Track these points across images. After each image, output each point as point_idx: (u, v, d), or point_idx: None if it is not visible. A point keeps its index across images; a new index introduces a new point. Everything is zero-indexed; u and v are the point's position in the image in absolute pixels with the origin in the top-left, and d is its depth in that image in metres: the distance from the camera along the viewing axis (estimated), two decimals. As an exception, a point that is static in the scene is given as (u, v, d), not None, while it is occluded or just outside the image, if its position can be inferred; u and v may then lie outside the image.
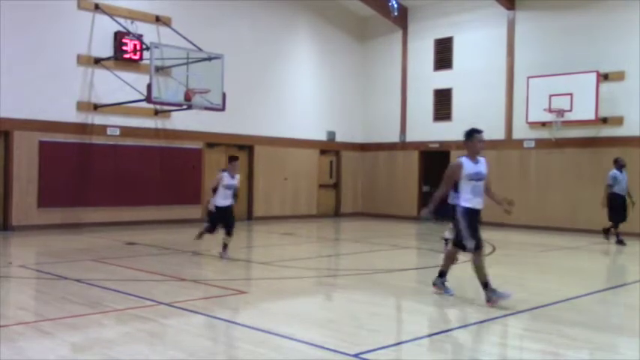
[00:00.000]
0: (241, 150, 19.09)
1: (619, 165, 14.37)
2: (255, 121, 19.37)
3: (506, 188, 18.66)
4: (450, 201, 7.50)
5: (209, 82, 15.24)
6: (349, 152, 22.09)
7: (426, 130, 20.83)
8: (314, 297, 7.91)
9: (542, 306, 7.14)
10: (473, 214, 7.20)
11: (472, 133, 7.35)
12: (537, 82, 17.83)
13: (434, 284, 7.70)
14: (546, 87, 17.56)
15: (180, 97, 15.09)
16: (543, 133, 18.11)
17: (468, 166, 7.21)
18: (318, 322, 6.39)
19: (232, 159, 10.89)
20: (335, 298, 7.93)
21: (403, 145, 21.47)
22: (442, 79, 20.54)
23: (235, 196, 10.74)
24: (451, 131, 19.67)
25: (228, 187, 10.50)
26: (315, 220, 20.16)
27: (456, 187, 7.29)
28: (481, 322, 6.39)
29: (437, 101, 20.71)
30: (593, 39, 17.32)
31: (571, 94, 17.11)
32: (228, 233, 10.63)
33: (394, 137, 21.72)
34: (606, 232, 14.64)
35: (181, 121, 17.41)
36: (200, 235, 11.15)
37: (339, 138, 21.75)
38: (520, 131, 18.71)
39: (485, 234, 15.46)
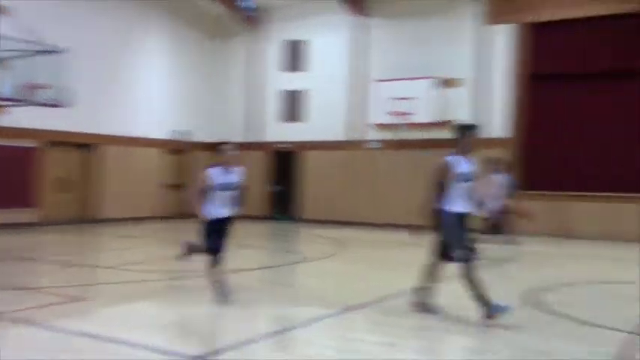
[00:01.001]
0: (84, 149, 18.14)
1: (502, 169, 14.84)
2: (102, 119, 18.43)
3: (353, 188, 19.47)
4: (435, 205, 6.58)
5: (52, 78, 14.30)
6: (200, 152, 21.73)
7: (276, 130, 21.01)
8: (157, 300, 7.66)
9: (380, 299, 7.43)
10: (461, 220, 6.48)
11: (467, 128, 6.67)
12: (384, 86, 18.61)
13: (415, 304, 6.80)
14: (392, 91, 18.37)
15: (17, 92, 14.04)
16: (389, 135, 18.93)
17: (459, 165, 6.46)
18: (161, 326, 6.20)
19: (222, 146, 7.40)
20: (179, 301, 7.73)
21: (252, 146, 21.51)
22: (294, 81, 20.82)
23: (240, 199, 7.46)
24: (303, 132, 20.08)
25: (223, 187, 7.22)
26: (163, 221, 19.60)
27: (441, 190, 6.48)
28: (321, 318, 6.51)
29: (288, 103, 20.96)
30: (433, 46, 18.38)
31: (413, 98, 18.03)
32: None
33: (242, 137, 21.71)
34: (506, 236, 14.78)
35: (18, 118, 16.15)
36: (187, 253, 7.71)
37: (190, 137, 21.33)
38: (367, 132, 19.44)
39: (333, 232, 16.21)
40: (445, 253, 6.52)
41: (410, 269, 10.34)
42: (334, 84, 19.96)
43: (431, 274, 6.71)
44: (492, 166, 12.03)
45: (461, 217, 6.44)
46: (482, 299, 6.25)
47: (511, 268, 11.05)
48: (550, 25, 16.95)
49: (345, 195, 19.42)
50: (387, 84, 18.51)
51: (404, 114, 18.12)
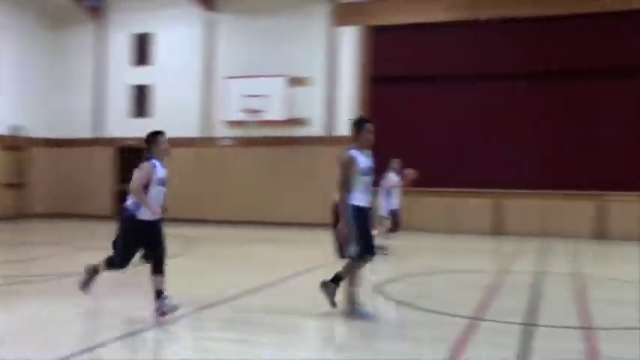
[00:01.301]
0: None
1: (393, 167, 15.04)
2: None
3: (204, 185, 19.22)
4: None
5: None
6: (40, 148, 20.37)
7: (122, 126, 20.19)
8: (-7, 307, 7.08)
9: (232, 297, 7.41)
10: (365, 214, 6.39)
11: (363, 122, 6.53)
12: (234, 83, 18.53)
13: (323, 285, 6.57)
14: (242, 88, 18.34)
15: None
16: (240, 132, 18.90)
17: (360, 159, 6.37)
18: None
19: (156, 135, 6.56)
20: (22, 307, 7.20)
21: (98, 142, 20.54)
22: (141, 76, 20.13)
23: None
24: (151, 128, 19.42)
25: (161, 183, 6.42)
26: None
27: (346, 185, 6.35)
28: (173, 318, 6.37)
29: (135, 97, 20.23)
30: (284, 44, 18.61)
31: (264, 96, 18.13)
32: (157, 269, 6.32)
33: (88, 133, 20.68)
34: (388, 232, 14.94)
35: None
36: (91, 277, 6.77)
37: (27, 133, 19.90)
38: (219, 130, 19.27)
39: (182, 230, 15.89)
40: (341, 249, 6.42)
41: (260, 266, 10.52)
42: (184, 79, 19.58)
43: (352, 277, 6.48)
44: (391, 165, 12.19)
45: (364, 212, 6.37)
46: (351, 300, 6.42)
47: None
48: (391, 29, 17.81)
49: (195, 192, 19.12)
50: (238, 81, 18.47)
51: (255, 111, 18.17)
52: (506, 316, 6.57)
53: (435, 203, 17.18)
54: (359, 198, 6.34)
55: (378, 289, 8.08)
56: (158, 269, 6.30)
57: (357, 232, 6.26)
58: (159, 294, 6.25)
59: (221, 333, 5.94)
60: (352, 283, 6.50)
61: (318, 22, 18.45)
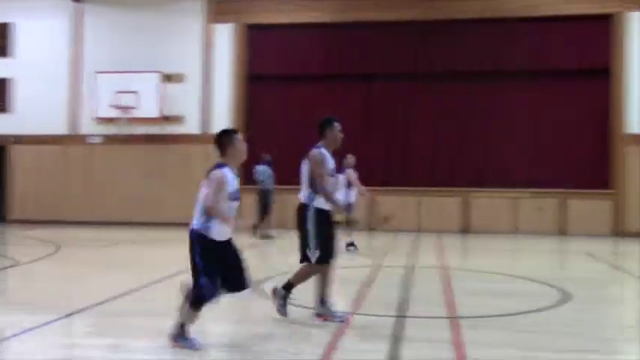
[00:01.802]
0: None
1: (265, 161, 14.77)
2: None
3: (71, 185, 18.30)
4: (305, 200, 6.13)
5: None
6: None
7: (-20, 122, 18.77)
8: None
9: (102, 301, 7.12)
10: (328, 218, 6.17)
11: (332, 121, 6.32)
12: (105, 78, 17.77)
13: (274, 292, 6.28)
14: (114, 83, 17.63)
15: None
16: (111, 129, 18.17)
17: (328, 159, 6.14)
18: None
19: (231, 135, 5.46)
20: None
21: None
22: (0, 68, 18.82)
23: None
24: (9, 124, 18.23)
25: (234, 197, 5.36)
26: None
27: (311, 184, 6.10)
28: (40, 325, 6.03)
29: (-7, 91, 18.87)
30: (157, 40, 18.11)
31: (136, 92, 17.55)
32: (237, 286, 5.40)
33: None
34: (255, 227, 14.55)
35: None
36: (187, 320, 5.33)
37: None
38: (87, 126, 18.40)
39: (47, 232, 15.07)
40: (304, 252, 6.11)
41: (133, 268, 10.19)
42: (49, 73, 18.51)
43: (321, 279, 6.24)
44: (346, 161, 12.23)
45: (327, 216, 6.16)
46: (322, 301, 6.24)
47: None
48: (267, 27, 17.88)
49: (63, 193, 18.17)
50: (109, 76, 17.75)
51: (126, 108, 17.56)
52: (379, 309, 6.81)
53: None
54: (323, 201, 6.09)
55: (257, 287, 8.07)
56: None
57: (319, 235, 6.03)
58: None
59: (91, 339, 5.68)
60: (323, 285, 6.25)
61: (193, 17, 18.12)
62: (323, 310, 6.23)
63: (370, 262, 10.98)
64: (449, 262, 11.06)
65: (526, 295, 8.24)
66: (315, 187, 6.07)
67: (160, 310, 6.75)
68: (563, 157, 16.81)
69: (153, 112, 17.67)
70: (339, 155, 11.94)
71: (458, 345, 5.42)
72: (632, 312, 7.48)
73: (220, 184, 5.17)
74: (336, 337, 5.64)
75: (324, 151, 6.19)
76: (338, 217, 11.53)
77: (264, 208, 14.65)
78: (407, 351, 5.28)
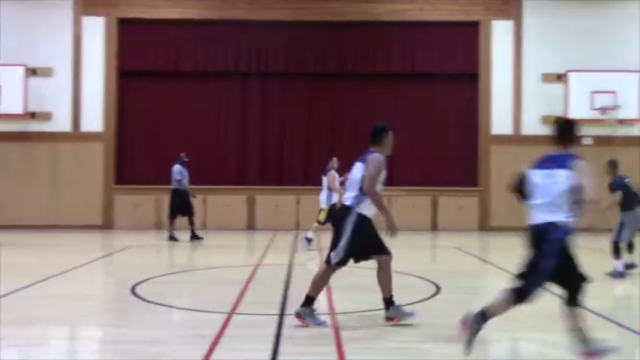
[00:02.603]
0: None
1: (182, 161, 14.10)
2: None
3: None
4: (347, 202, 6.10)
5: None
6: None
7: None
8: None
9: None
10: (369, 224, 6.07)
11: (388, 129, 6.23)
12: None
13: (299, 316, 6.02)
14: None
15: None
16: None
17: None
18: None
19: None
20: None
21: None
22: None
23: None
24: None
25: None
26: None
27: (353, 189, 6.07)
28: None
29: None
30: (23, 31, 17.00)
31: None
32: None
33: None
34: (192, 233, 13.95)
35: None
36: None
37: None
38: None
39: None
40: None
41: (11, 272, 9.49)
42: None
43: (386, 277, 6.18)
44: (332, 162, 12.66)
45: (369, 221, 6.11)
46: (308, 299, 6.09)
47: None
48: (139, 22, 17.35)
49: None
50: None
51: (-12, 104, 16.37)
52: (261, 309, 6.79)
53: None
54: (369, 207, 6.05)
55: (132, 291, 7.80)
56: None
57: (352, 241, 5.94)
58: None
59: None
60: (318, 290, 6.19)
61: (62, 9, 17.17)
62: (394, 313, 6.19)
63: (250, 261, 10.93)
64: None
65: (401, 289, 8.53)
66: (364, 190, 5.97)
67: (28, 318, 6.34)
68: (434, 157, 17.62)
69: (17, 108, 16.58)
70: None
71: (337, 340, 5.52)
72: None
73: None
74: (218, 337, 5.56)
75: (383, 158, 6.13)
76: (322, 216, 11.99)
77: (180, 208, 13.91)
78: (288, 348, 5.31)
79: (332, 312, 6.68)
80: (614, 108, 16.55)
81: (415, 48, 17.64)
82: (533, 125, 17.29)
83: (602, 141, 16.99)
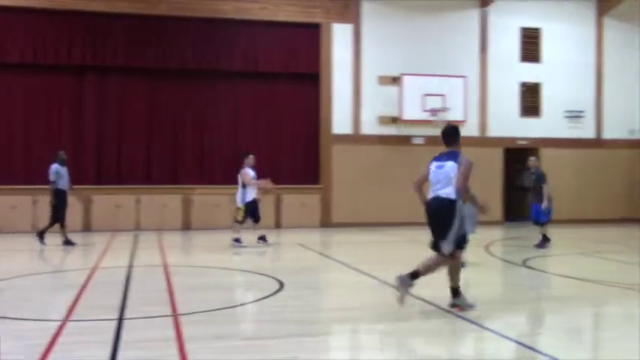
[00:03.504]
0: None
1: (60, 159, 12.70)
2: None
3: None
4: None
5: None
6: None
7: None
8: None
9: None
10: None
11: (459, 131, 6.88)
12: None
13: (456, 306, 6.62)
14: None
15: None
16: None
17: None
18: None
19: (459, 131, 6.97)
20: None
21: None
22: None
23: None
24: None
25: None
26: None
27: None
28: None
29: None
30: None
31: None
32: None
33: None
34: (41, 233, 12.67)
35: None
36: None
37: None
38: None
39: None
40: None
41: None
42: None
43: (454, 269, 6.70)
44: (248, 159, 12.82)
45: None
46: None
47: None
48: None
49: None
50: None
51: None
52: (98, 314, 6.47)
53: (17, 201, 15.83)
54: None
55: None
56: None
57: (458, 231, 6.51)
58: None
59: None
60: (455, 277, 6.69)
61: None
62: (459, 301, 6.65)
63: (88, 263, 10.38)
64: (170, 259, 10.98)
65: (245, 286, 8.56)
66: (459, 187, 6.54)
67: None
68: (277, 156, 17.81)
69: None
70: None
71: (180, 342, 5.40)
72: (338, 295, 8.23)
73: (471, 168, 6.54)
74: (50, 347, 5.22)
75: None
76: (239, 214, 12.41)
77: (59, 210, 12.73)
78: (128, 352, 5.11)
79: (175, 313, 6.53)
80: (444, 110, 17.73)
81: (258, 47, 17.69)
82: (371, 125, 18.09)
83: (432, 141, 18.17)
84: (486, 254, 11.80)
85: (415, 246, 13.02)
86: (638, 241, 14.03)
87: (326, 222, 17.72)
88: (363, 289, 8.14)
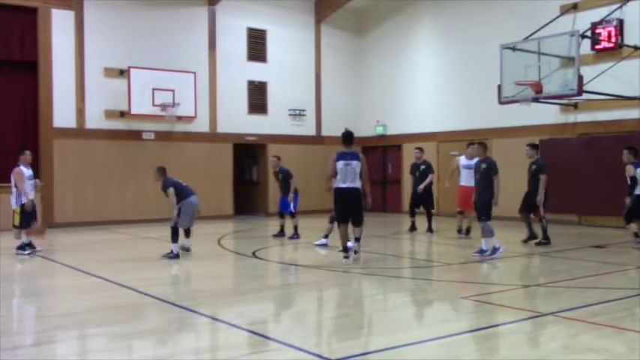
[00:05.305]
0: None
1: None
2: None
3: None
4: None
5: None
6: None
7: None
8: None
9: None
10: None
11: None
12: None
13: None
14: None
15: None
16: None
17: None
18: None
19: None
20: None
21: None
22: None
23: None
24: None
25: None
26: None
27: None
28: None
29: None
30: None
31: None
32: None
33: None
34: None
35: None
36: None
37: None
38: None
39: None
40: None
41: None
42: None
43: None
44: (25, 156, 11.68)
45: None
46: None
47: None
48: None
49: None
50: None
51: None
52: None
53: None
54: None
55: None
56: None
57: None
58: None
59: None
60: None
61: None
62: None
63: None
64: None
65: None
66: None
67: None
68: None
69: None
70: None
71: None
72: (57, 300, 7.69)
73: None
74: None
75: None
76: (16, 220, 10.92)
77: None
78: None
79: None
80: (174, 105, 17.60)
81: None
82: (98, 119, 17.22)
83: (163, 136, 17.97)
84: (218, 247, 12.04)
85: (144, 242, 12.76)
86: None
87: (48, 222, 16.39)
88: (91, 292, 7.73)
